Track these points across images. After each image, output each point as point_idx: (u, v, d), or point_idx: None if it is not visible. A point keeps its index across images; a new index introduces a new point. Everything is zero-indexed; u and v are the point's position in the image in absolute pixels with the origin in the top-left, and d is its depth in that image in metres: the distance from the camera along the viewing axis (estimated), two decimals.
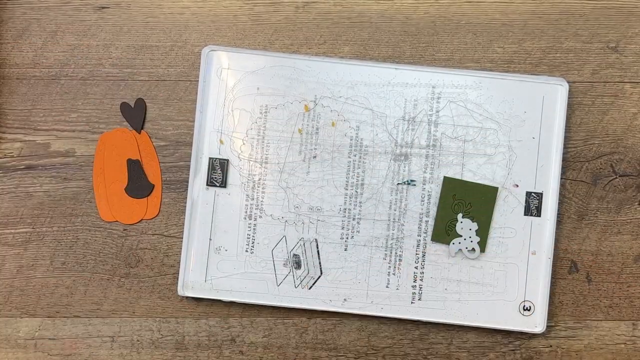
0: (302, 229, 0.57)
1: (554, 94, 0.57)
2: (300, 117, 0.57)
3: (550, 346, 0.57)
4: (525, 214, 0.56)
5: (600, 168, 0.58)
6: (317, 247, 0.57)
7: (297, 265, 0.57)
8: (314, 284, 0.57)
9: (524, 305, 0.56)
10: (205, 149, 0.57)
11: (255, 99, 0.57)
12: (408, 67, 0.57)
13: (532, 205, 0.56)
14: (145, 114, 0.59)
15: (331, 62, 0.57)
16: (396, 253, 0.57)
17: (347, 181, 0.57)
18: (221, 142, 0.57)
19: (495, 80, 0.57)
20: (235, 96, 0.57)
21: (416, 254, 0.56)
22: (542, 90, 0.57)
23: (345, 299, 0.57)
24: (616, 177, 0.58)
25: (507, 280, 0.56)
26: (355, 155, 0.57)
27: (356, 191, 0.57)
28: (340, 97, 0.57)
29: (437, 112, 0.57)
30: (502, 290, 0.56)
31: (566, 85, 0.56)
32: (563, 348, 0.57)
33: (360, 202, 0.57)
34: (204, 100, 0.57)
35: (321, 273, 0.57)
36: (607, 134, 0.58)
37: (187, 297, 0.58)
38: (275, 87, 0.57)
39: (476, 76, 0.57)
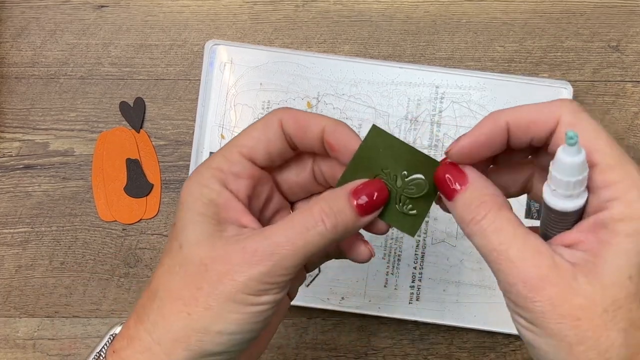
0: None
1: (557, 96, 0.54)
2: None
3: None
4: (526, 217, 0.54)
5: None
6: None
7: None
8: (311, 281, 0.54)
9: None
10: (206, 143, 0.54)
11: (257, 95, 0.55)
12: (412, 67, 0.55)
13: (533, 208, 0.54)
14: (144, 113, 0.56)
15: (335, 60, 0.55)
16: (395, 253, 0.54)
17: None
18: (222, 136, 0.54)
19: (498, 82, 0.54)
20: (238, 91, 0.55)
21: (415, 254, 0.54)
22: (545, 93, 0.54)
23: (342, 298, 0.54)
24: None
25: None
26: None
27: None
28: (343, 94, 0.55)
29: (440, 112, 0.55)
30: (501, 293, 0.54)
31: (570, 89, 0.54)
32: None
33: None
34: (206, 94, 0.55)
35: (319, 271, 0.54)
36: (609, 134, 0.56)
37: None
38: (278, 83, 0.55)
39: (480, 77, 0.54)
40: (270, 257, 0.32)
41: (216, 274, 0.32)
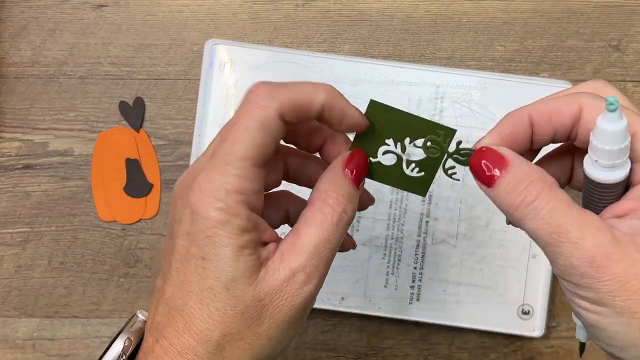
0: None
1: None
2: None
3: (552, 347, 0.55)
4: None
5: None
6: None
7: None
8: None
9: (523, 309, 0.53)
10: (206, 143, 0.54)
11: None
12: (412, 66, 0.54)
13: None
14: (144, 112, 0.56)
15: (335, 59, 0.54)
16: (395, 253, 0.54)
17: None
18: None
19: (499, 82, 0.54)
20: (238, 91, 0.54)
21: (415, 254, 0.54)
22: (546, 93, 0.53)
23: (342, 298, 0.54)
24: None
25: (507, 284, 0.53)
26: None
27: None
28: (343, 94, 0.54)
29: (441, 112, 0.54)
30: (501, 294, 0.53)
31: None
32: (564, 348, 0.55)
33: None
34: (206, 94, 0.54)
35: None
36: None
37: None
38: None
39: (480, 77, 0.54)
40: (316, 270, 0.33)
41: (273, 306, 0.32)
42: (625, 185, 0.31)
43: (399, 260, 0.54)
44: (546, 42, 0.56)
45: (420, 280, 0.54)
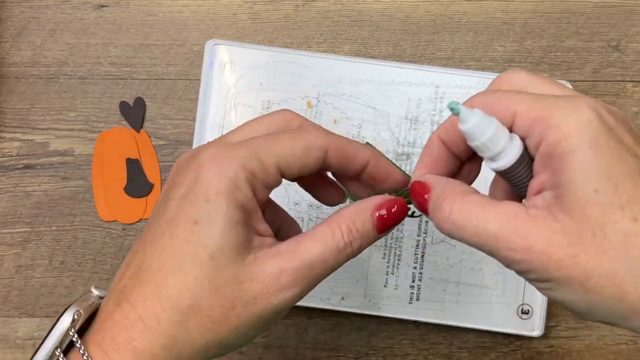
0: (301, 226, 0.54)
1: None
2: (302, 113, 0.54)
3: (552, 346, 0.55)
4: None
5: None
6: None
7: None
8: None
9: (523, 309, 0.53)
10: (206, 142, 0.54)
11: (258, 94, 0.54)
12: (412, 66, 0.54)
13: None
14: (144, 113, 0.56)
15: (335, 59, 0.54)
16: (395, 253, 0.54)
17: None
18: None
19: None
20: (238, 91, 0.54)
21: (415, 254, 0.54)
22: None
23: (342, 298, 0.54)
24: None
25: (507, 284, 0.53)
26: None
27: None
28: (343, 94, 0.54)
29: (441, 112, 0.54)
30: (501, 293, 0.53)
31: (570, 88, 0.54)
32: (564, 348, 0.55)
33: None
34: (206, 94, 0.54)
35: None
36: None
37: None
38: (278, 82, 0.54)
39: (480, 77, 0.54)
40: (304, 279, 0.33)
41: (251, 295, 0.32)
42: (527, 162, 0.32)
43: (399, 260, 0.54)
44: (546, 42, 0.56)
45: (420, 280, 0.54)
